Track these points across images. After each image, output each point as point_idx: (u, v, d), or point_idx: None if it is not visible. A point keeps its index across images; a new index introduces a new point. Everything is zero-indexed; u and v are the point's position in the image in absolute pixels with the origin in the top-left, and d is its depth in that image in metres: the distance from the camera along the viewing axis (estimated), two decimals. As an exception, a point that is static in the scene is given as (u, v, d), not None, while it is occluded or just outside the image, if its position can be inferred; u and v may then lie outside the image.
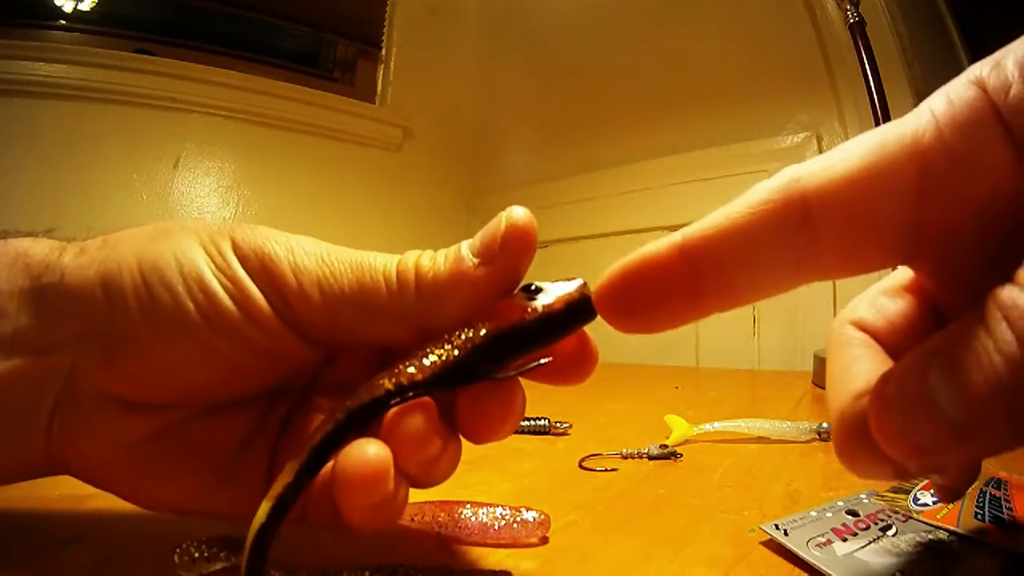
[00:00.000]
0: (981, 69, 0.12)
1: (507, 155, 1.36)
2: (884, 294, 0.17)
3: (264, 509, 0.14)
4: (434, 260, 0.17)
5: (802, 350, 0.83)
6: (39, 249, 0.19)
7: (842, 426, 0.15)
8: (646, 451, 0.34)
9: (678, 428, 0.38)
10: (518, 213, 0.17)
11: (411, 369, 0.16)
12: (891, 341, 0.16)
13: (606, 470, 0.32)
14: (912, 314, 0.17)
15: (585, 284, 0.16)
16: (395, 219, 1.25)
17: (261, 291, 0.17)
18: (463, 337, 0.16)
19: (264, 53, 1.15)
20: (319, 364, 0.20)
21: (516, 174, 1.32)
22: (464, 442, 0.18)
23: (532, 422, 0.41)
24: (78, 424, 0.18)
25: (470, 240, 0.17)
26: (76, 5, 0.99)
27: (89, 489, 0.26)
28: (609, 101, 1.14)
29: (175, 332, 0.17)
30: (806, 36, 0.87)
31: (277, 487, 0.15)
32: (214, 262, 0.18)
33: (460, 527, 0.22)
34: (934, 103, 0.13)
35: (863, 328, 0.17)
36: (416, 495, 0.24)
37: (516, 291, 0.17)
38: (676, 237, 0.14)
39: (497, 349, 0.16)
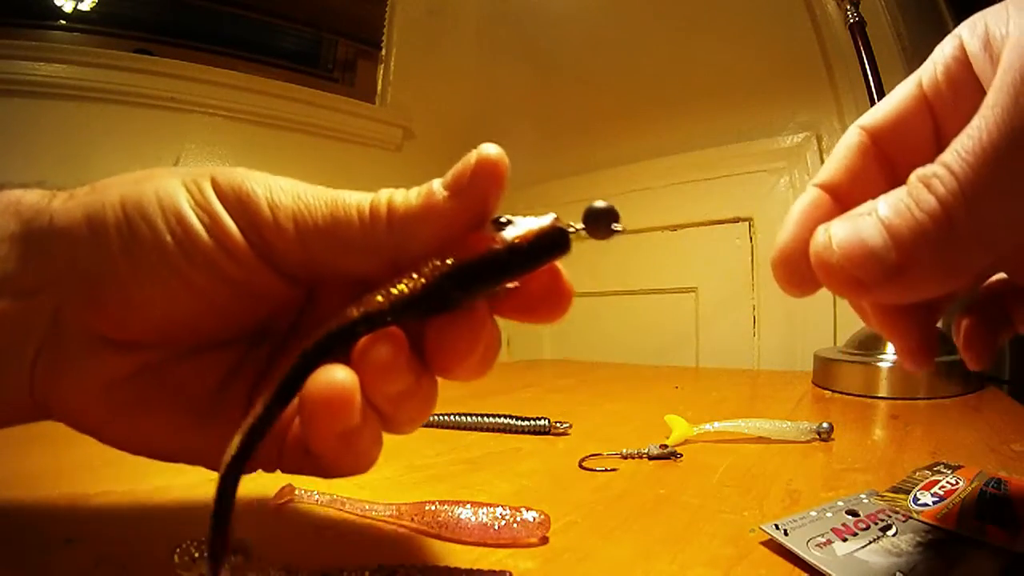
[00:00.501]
0: (962, 28, 0.17)
1: (507, 155, 1.36)
2: (846, 157, 0.20)
3: (235, 442, 0.14)
4: (406, 195, 0.18)
5: (802, 350, 0.83)
6: (31, 197, 0.19)
7: (785, 251, 0.19)
8: (646, 451, 0.34)
9: (678, 428, 0.38)
10: (489, 148, 0.17)
11: (378, 298, 0.16)
12: (845, 194, 0.20)
13: (606, 470, 0.32)
14: (865, 174, 0.20)
15: (557, 218, 0.16)
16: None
17: (237, 225, 0.18)
18: (431, 267, 0.16)
19: (264, 53, 1.15)
20: (299, 306, 0.21)
21: (516, 174, 1.30)
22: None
23: (532, 422, 0.41)
24: (62, 364, 0.19)
25: (443, 177, 0.18)
26: (76, 5, 0.99)
27: (89, 489, 0.26)
28: (609, 101, 1.14)
29: (154, 266, 0.18)
30: (806, 36, 0.87)
31: (248, 419, 0.15)
32: (193, 198, 0.18)
33: (460, 527, 0.22)
34: (936, 54, 0.18)
35: (823, 185, 0.20)
36: (416, 495, 0.24)
37: (487, 224, 0.17)
38: (814, 188, 0.20)
39: (464, 277, 0.16)
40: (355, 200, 0.18)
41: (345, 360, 0.16)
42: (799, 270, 0.18)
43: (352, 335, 0.16)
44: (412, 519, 0.22)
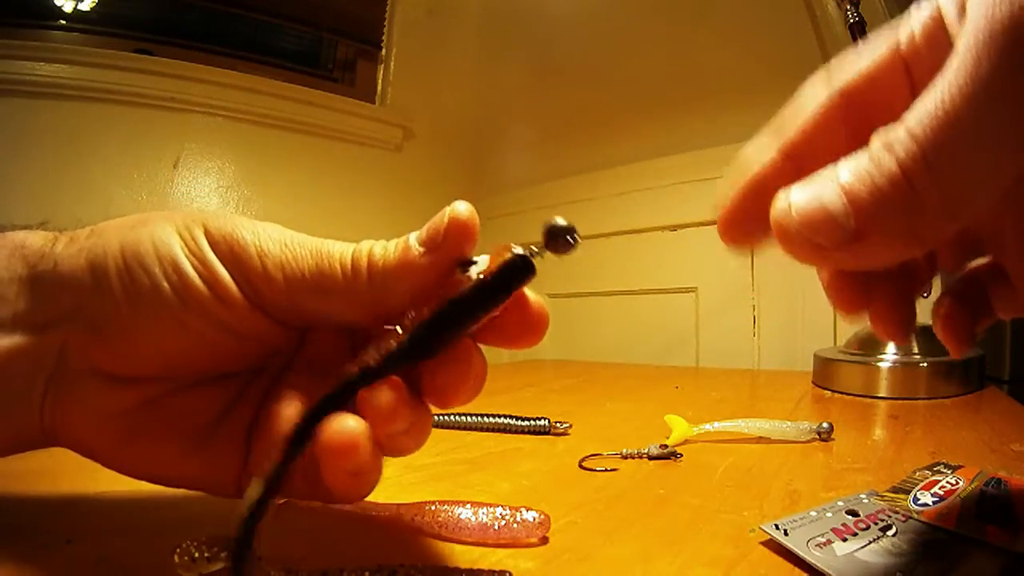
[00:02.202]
0: None
1: (507, 155, 1.36)
2: (813, 115, 0.19)
3: (256, 485, 0.16)
4: (385, 249, 0.19)
5: (802, 350, 0.83)
6: (35, 240, 0.21)
7: (735, 214, 0.19)
8: (646, 451, 0.34)
9: (678, 428, 0.38)
10: (460, 207, 0.18)
11: (372, 355, 0.17)
12: (803, 152, 0.19)
13: (606, 470, 0.32)
14: (828, 134, 0.19)
15: (512, 246, 0.17)
16: (395, 219, 1.25)
17: (229, 273, 0.19)
18: (410, 319, 0.18)
19: (264, 53, 1.15)
20: (293, 345, 0.22)
21: (516, 174, 1.32)
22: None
23: (532, 422, 0.41)
24: (69, 396, 0.20)
25: (418, 231, 0.19)
26: (76, 5, 0.99)
27: (89, 489, 0.26)
28: (609, 101, 1.14)
29: (153, 310, 0.19)
30: (806, 36, 0.87)
31: (267, 465, 0.16)
32: (187, 247, 0.19)
33: (460, 527, 0.22)
34: (913, 13, 0.17)
35: (783, 148, 0.19)
36: (416, 495, 0.24)
37: (454, 268, 0.19)
38: (774, 146, 0.19)
39: (442, 325, 0.17)
40: (338, 252, 0.19)
41: (351, 407, 0.17)
42: (746, 231, 0.19)
43: (354, 390, 0.17)
44: (412, 519, 0.22)
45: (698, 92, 1.01)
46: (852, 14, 0.65)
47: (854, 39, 0.65)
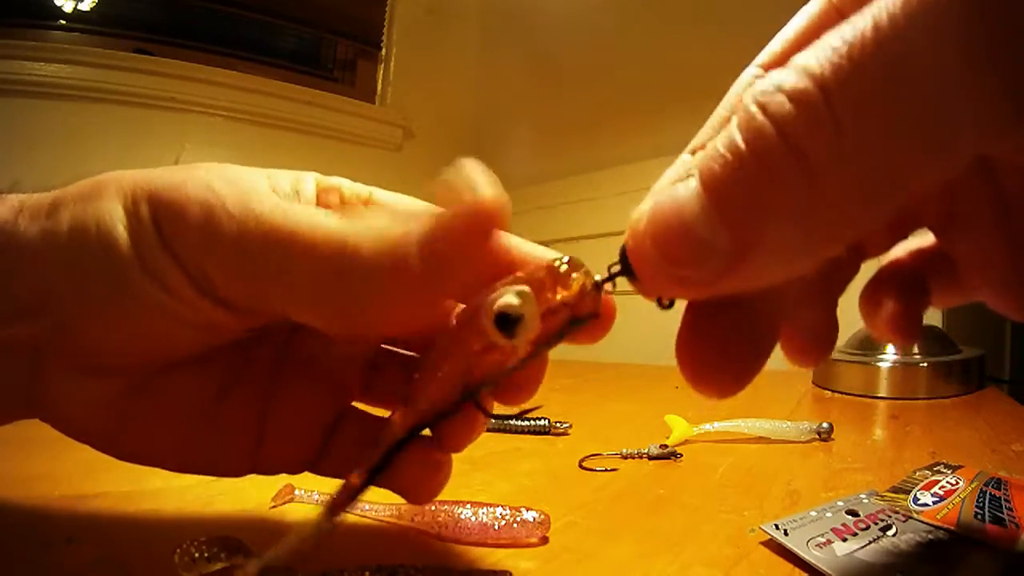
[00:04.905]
0: None
1: (507, 155, 1.36)
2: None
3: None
4: (366, 234, 0.15)
5: (802, 350, 0.83)
6: (2, 211, 0.18)
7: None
8: (646, 451, 0.34)
9: (678, 428, 0.38)
10: (483, 187, 0.14)
11: (399, 418, 0.17)
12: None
13: (606, 470, 0.32)
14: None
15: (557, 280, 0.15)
16: (395, 219, 1.24)
17: (176, 262, 0.16)
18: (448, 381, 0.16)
19: (264, 53, 1.15)
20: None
21: (516, 174, 1.32)
22: None
23: (532, 422, 0.41)
24: (53, 389, 0.18)
25: (416, 215, 0.15)
26: (76, 5, 0.99)
27: (89, 489, 0.26)
28: (609, 101, 1.14)
29: (101, 302, 0.17)
30: (806, 36, 0.87)
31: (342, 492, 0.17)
32: (132, 233, 0.16)
33: (460, 527, 0.22)
34: None
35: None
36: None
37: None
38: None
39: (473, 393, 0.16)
40: (307, 223, 0.15)
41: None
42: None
43: (389, 458, 0.17)
44: (412, 519, 0.22)
45: (698, 92, 1.00)
46: (852, 14, 0.65)
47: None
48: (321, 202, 0.20)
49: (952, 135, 0.09)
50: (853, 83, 0.09)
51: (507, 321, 0.14)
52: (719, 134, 0.10)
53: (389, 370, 0.22)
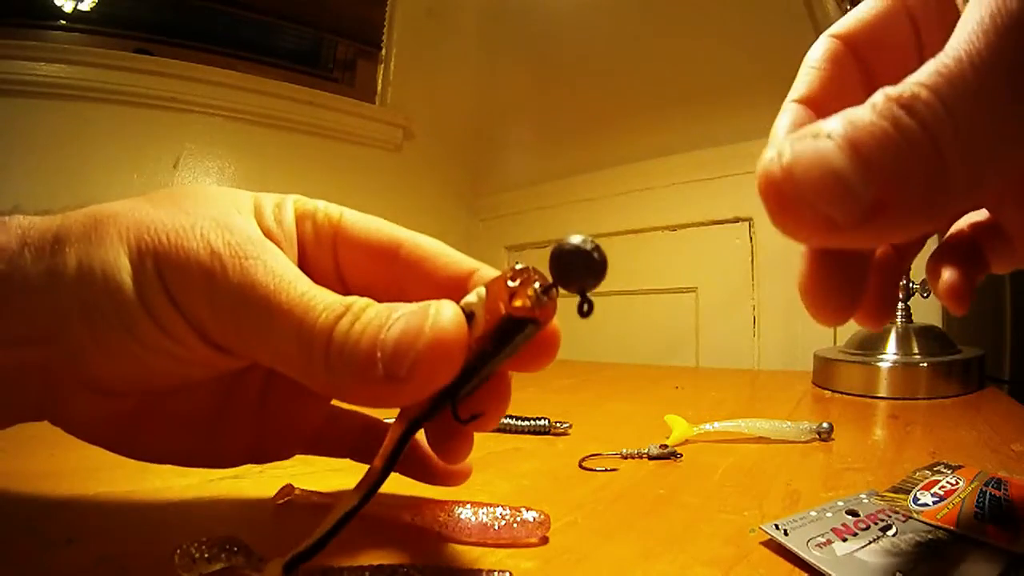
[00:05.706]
0: None
1: (507, 155, 1.36)
2: (822, 68, 0.18)
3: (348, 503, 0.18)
4: (345, 342, 0.17)
5: (802, 350, 0.83)
6: (5, 239, 0.18)
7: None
8: (646, 451, 0.34)
9: (678, 428, 0.38)
10: (445, 317, 0.16)
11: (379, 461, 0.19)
12: (826, 107, 0.18)
13: (606, 470, 0.32)
14: (845, 85, 0.18)
15: (512, 295, 0.16)
16: (395, 219, 1.24)
17: (181, 313, 0.18)
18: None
19: (264, 53, 1.15)
20: None
21: (516, 174, 1.32)
22: None
23: (532, 422, 0.41)
24: (65, 404, 0.20)
25: (387, 320, 0.16)
26: (76, 5, 0.99)
27: (89, 489, 0.26)
28: (609, 101, 1.14)
29: (109, 340, 0.18)
30: (806, 36, 0.87)
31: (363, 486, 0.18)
32: (136, 282, 0.18)
33: (460, 527, 0.22)
34: None
35: (802, 100, 0.18)
36: (417, 495, 0.24)
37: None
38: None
39: (456, 388, 0.17)
40: (300, 307, 0.17)
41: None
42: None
43: (373, 492, 0.18)
44: (412, 519, 0.22)
45: (698, 92, 1.01)
46: (852, 14, 0.65)
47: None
48: (300, 229, 0.22)
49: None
50: (961, 92, 0.11)
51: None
52: (851, 111, 0.12)
53: None
